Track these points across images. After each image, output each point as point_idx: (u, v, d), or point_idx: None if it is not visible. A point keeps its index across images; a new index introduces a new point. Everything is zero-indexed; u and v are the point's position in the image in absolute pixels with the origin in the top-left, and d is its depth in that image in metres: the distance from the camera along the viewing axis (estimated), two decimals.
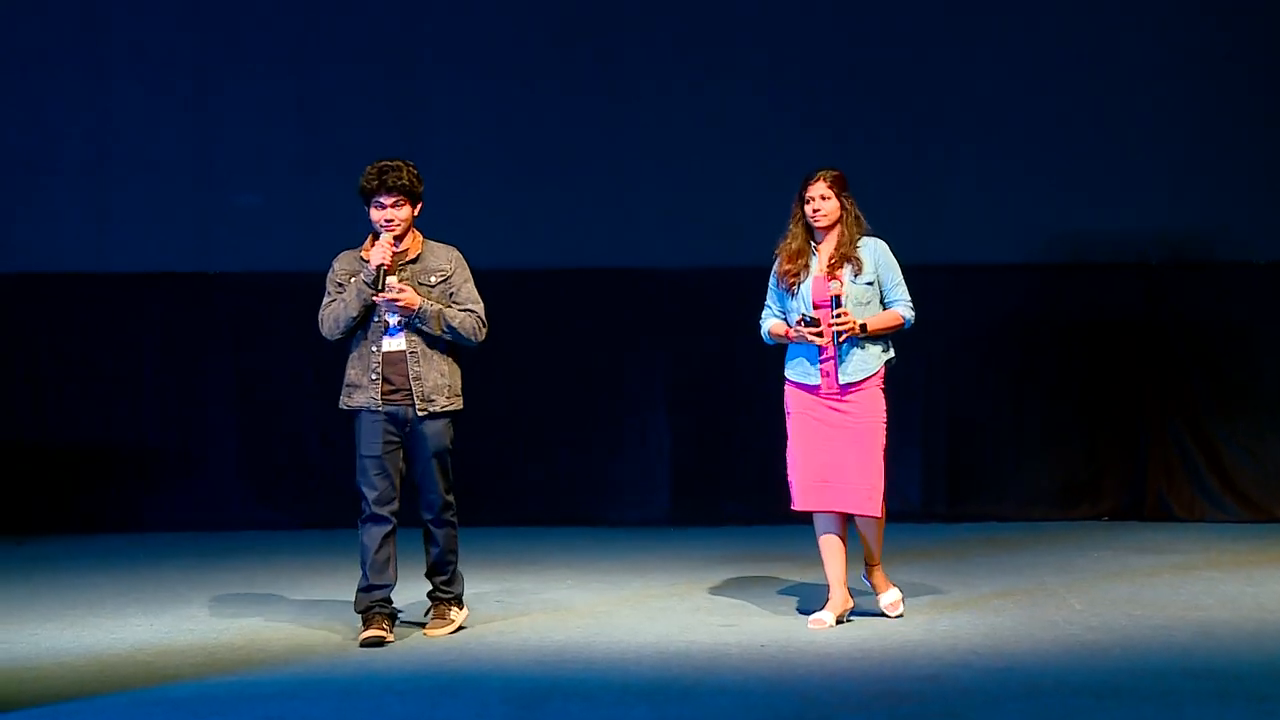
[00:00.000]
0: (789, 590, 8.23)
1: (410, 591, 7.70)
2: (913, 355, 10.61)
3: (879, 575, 7.64)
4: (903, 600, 7.63)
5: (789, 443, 7.46)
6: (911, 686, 6.34)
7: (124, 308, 10.89)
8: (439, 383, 7.22)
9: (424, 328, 7.18)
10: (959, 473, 10.90)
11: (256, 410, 10.90)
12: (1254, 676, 6.46)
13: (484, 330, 7.31)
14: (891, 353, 7.45)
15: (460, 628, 7.43)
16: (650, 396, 10.93)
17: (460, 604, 7.52)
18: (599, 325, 10.96)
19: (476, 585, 8.10)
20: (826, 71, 10.91)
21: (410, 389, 7.19)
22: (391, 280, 7.13)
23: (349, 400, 7.29)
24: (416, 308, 7.14)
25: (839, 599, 7.47)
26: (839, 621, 7.43)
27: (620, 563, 9.32)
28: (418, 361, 7.20)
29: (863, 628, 7.40)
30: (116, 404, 10.87)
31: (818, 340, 7.28)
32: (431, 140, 10.69)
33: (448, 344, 7.27)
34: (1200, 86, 10.91)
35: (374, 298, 7.14)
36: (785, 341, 7.46)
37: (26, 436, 10.82)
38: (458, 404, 7.32)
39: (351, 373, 7.29)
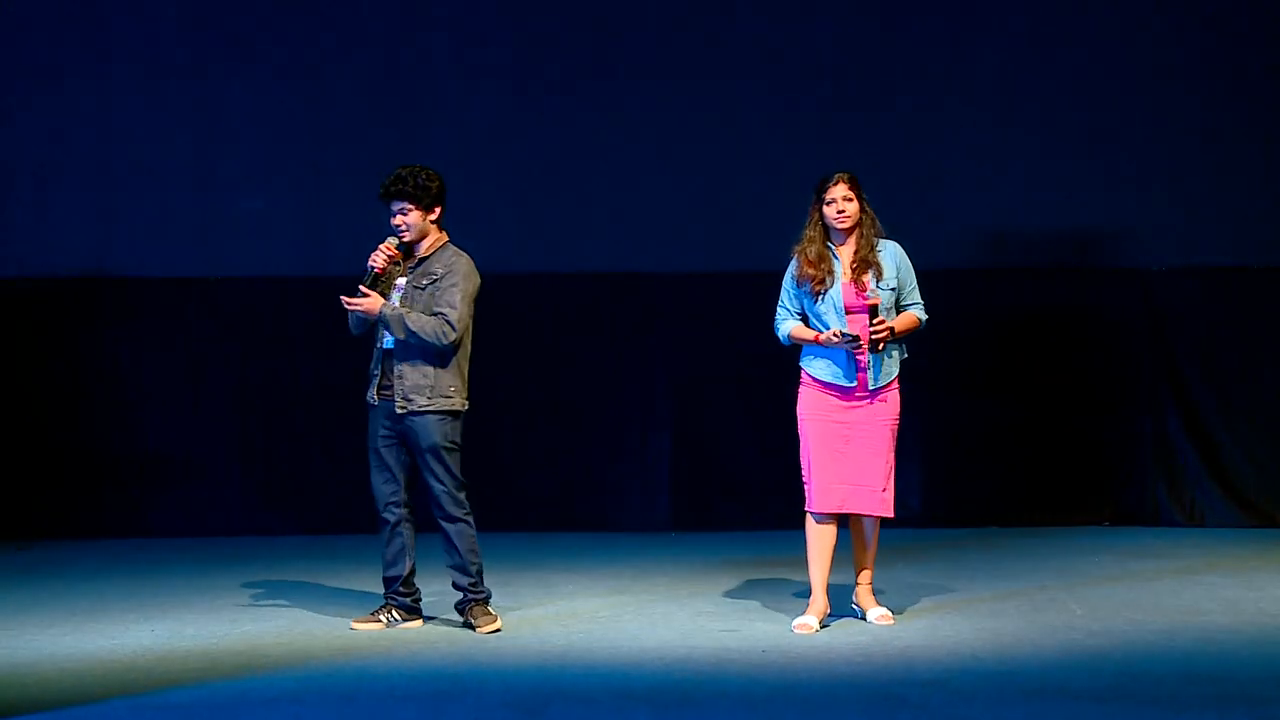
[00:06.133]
0: (791, 595, 8.23)
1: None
2: (913, 360, 10.65)
3: (867, 592, 7.64)
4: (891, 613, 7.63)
5: (807, 445, 7.46)
6: (913, 691, 6.35)
7: (127, 312, 10.88)
8: (419, 383, 7.44)
9: (388, 332, 7.43)
10: (960, 478, 10.89)
11: (259, 416, 10.89)
12: (1255, 681, 6.47)
13: (448, 334, 7.40)
14: (905, 353, 7.55)
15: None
16: (651, 401, 10.91)
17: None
18: (600, 330, 10.94)
19: None
20: (827, 75, 10.91)
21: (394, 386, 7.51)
22: (363, 287, 7.44)
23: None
24: (376, 312, 7.41)
25: (822, 603, 7.50)
26: (821, 626, 7.46)
27: (622, 568, 9.32)
28: (400, 360, 7.46)
29: (863, 633, 7.40)
30: (119, 409, 10.85)
31: (853, 348, 7.29)
32: (434, 145, 10.68)
33: (431, 346, 7.41)
34: (1199, 90, 10.89)
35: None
36: (806, 344, 7.46)
37: (29, 441, 10.81)
38: (445, 404, 7.44)
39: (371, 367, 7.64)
